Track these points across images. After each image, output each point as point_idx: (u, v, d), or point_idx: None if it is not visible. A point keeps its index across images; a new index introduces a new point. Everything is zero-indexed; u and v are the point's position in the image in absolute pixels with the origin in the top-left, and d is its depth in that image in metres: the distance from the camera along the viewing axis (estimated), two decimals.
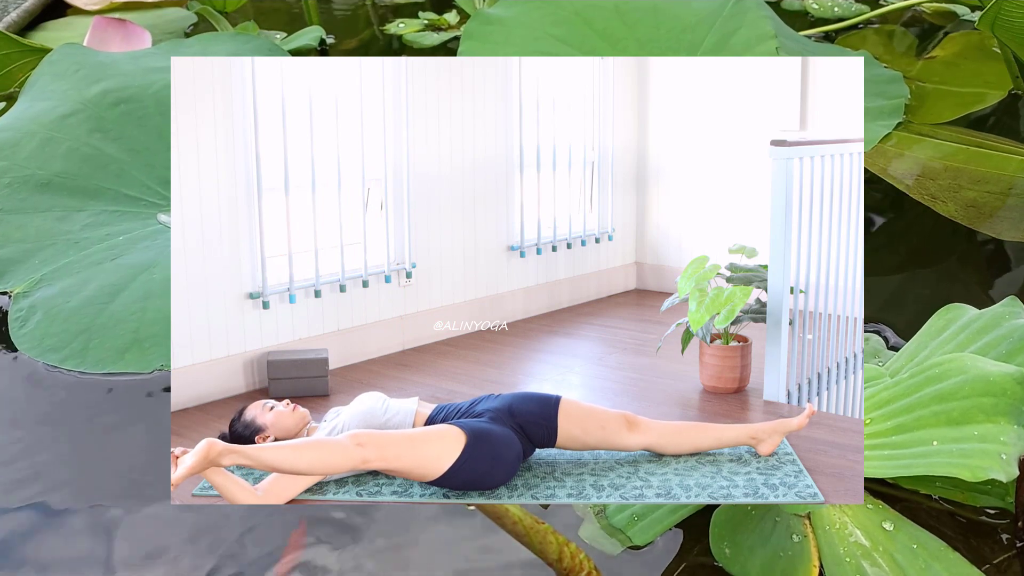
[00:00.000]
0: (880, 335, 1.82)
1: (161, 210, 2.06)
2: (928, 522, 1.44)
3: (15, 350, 1.77)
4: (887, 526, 1.42)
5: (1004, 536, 1.42)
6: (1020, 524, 1.41)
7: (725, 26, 2.48)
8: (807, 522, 1.44)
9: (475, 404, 1.96)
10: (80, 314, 1.79)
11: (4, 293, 1.86)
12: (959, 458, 1.38)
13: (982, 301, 1.73)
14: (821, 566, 1.39)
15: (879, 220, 2.22)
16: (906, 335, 1.83)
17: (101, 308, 1.80)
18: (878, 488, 1.50)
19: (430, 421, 1.95)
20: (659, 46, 2.48)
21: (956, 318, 1.66)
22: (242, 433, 1.99)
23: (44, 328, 1.77)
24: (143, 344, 1.74)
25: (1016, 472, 1.37)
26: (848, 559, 1.39)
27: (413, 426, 1.93)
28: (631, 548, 1.46)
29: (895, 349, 1.77)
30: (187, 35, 2.86)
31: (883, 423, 1.49)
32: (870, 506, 1.46)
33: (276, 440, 1.98)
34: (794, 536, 1.42)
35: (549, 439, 1.93)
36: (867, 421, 1.51)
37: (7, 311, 1.84)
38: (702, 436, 1.99)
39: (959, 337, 1.62)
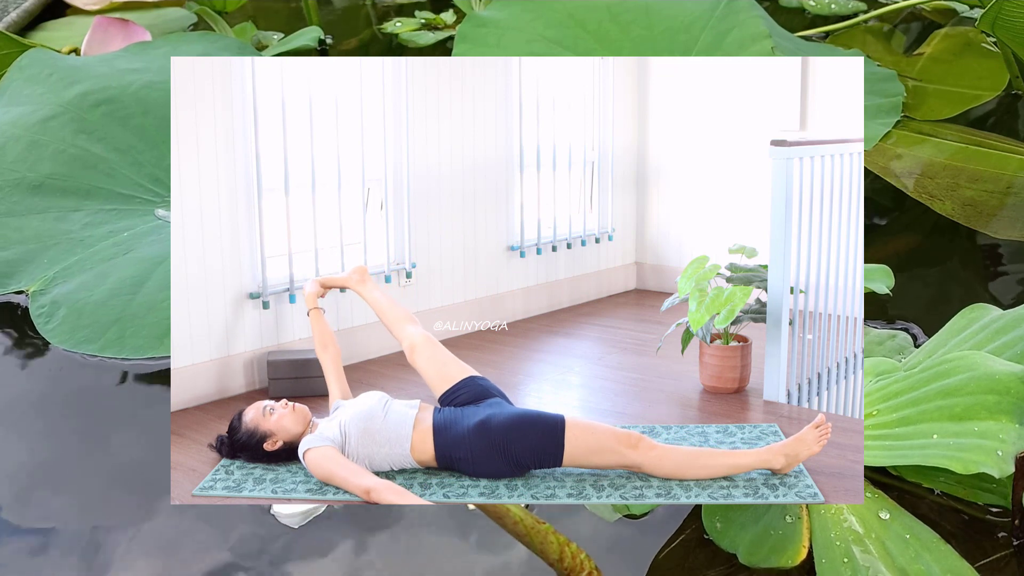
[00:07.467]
0: (908, 332, 1.82)
1: (157, 206, 2.08)
2: (929, 516, 1.45)
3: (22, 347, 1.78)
4: (883, 515, 1.43)
5: (1003, 534, 1.43)
6: (1017, 522, 1.41)
7: (718, 26, 2.49)
8: (803, 504, 1.45)
9: (477, 411, 1.95)
10: (107, 306, 1.83)
11: (19, 292, 1.89)
12: (955, 451, 1.39)
13: (983, 300, 1.74)
14: (811, 548, 1.40)
15: (879, 220, 2.22)
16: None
17: (128, 299, 1.84)
18: (882, 479, 1.51)
19: (436, 428, 1.93)
20: (653, 47, 2.48)
21: (979, 318, 1.67)
22: (247, 442, 1.97)
23: (72, 321, 1.80)
24: None
25: (1010, 469, 1.37)
26: (839, 543, 1.40)
27: (412, 430, 1.92)
28: (628, 517, 1.48)
29: None
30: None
31: (888, 415, 1.50)
32: (869, 495, 1.47)
33: (286, 444, 1.97)
34: (787, 517, 1.44)
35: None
36: (873, 412, 1.52)
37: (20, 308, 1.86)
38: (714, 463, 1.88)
39: (978, 336, 1.63)
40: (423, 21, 3.02)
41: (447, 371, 2.08)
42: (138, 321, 1.80)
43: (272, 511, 1.48)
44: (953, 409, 1.44)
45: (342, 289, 2.39)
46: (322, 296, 2.35)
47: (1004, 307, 1.68)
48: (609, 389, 2.61)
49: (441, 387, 2.06)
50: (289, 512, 1.48)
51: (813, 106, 3.56)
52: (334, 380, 2.20)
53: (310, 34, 2.79)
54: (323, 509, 1.50)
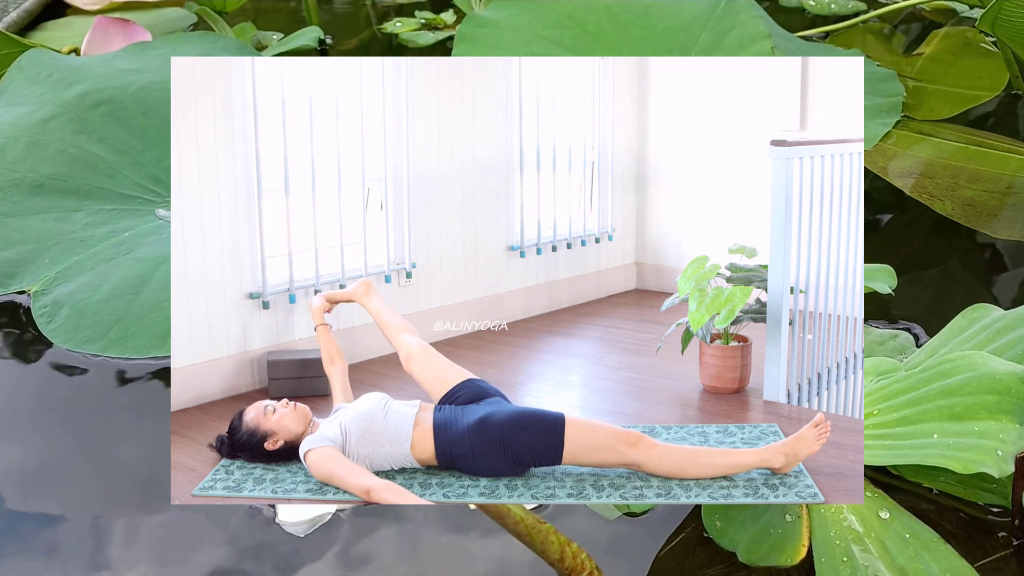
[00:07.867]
0: (910, 332, 1.82)
1: (157, 206, 2.08)
2: (929, 516, 1.45)
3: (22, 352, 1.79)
4: (883, 514, 1.43)
5: (1003, 534, 1.43)
6: (1017, 522, 1.41)
7: (718, 26, 2.49)
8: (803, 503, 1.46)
9: (475, 410, 1.95)
10: (109, 306, 1.83)
11: (21, 292, 1.89)
12: (955, 451, 1.40)
13: (983, 300, 1.74)
14: (810, 546, 1.40)
15: (879, 220, 2.22)
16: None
17: (130, 299, 1.84)
18: (882, 479, 1.51)
19: (436, 427, 1.93)
20: (653, 47, 2.48)
21: (980, 318, 1.67)
22: (248, 442, 1.97)
23: (75, 321, 1.81)
24: None
25: (1010, 469, 1.37)
26: (838, 542, 1.40)
27: (413, 429, 1.92)
28: (628, 515, 1.48)
29: None
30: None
31: (889, 415, 1.51)
32: (869, 494, 1.47)
33: (287, 443, 1.97)
34: (787, 515, 1.44)
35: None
36: (874, 412, 1.52)
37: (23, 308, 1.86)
38: (713, 462, 1.88)
39: (979, 336, 1.63)
40: (423, 21, 3.02)
41: (445, 376, 2.08)
42: (140, 321, 1.80)
43: (277, 520, 1.48)
44: (953, 409, 1.45)
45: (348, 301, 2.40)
46: (328, 311, 2.35)
47: (1005, 307, 1.68)
48: (609, 389, 2.61)
49: (440, 391, 2.06)
50: (295, 521, 1.48)
51: (813, 106, 3.56)
52: (339, 391, 2.21)
53: (310, 34, 2.79)
54: (329, 517, 1.49)
